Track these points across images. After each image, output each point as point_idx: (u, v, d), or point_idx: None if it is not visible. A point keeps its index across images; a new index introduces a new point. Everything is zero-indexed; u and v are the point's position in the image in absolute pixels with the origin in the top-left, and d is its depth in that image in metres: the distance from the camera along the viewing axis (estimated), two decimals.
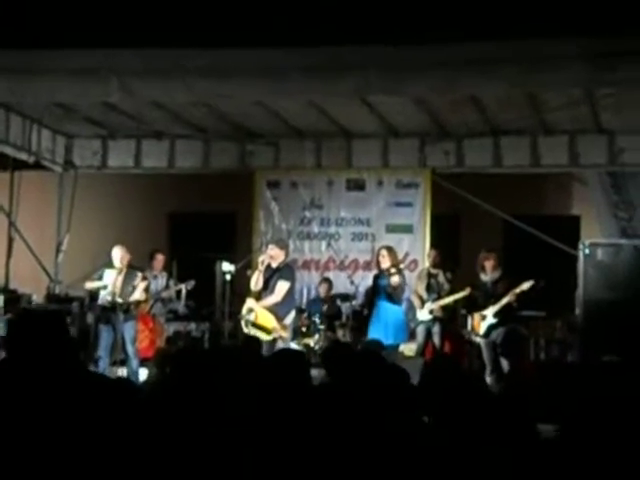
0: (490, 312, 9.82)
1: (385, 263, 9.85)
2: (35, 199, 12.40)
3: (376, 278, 10.06)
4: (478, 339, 9.99)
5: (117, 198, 14.01)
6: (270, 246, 9.70)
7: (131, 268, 10.13)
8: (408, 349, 10.93)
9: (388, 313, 9.80)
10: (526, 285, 9.62)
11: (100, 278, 10.12)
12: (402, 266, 10.01)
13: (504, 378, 7.97)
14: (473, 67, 7.96)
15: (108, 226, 13.48)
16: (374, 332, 9.54)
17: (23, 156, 11.70)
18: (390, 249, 10.11)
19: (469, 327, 10.25)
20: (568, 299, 10.71)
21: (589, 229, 12.50)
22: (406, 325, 10.18)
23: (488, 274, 10.00)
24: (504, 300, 9.70)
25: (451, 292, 10.46)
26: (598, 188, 12.00)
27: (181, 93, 8.62)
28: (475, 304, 10.10)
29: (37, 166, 12.19)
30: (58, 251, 12.22)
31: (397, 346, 9.78)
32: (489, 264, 9.97)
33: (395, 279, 9.74)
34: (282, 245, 9.83)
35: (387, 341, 9.03)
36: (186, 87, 8.44)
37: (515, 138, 11.52)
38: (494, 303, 9.78)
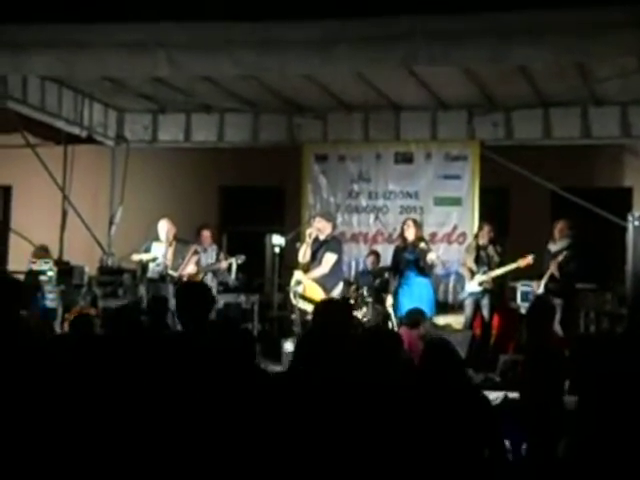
0: (542, 282, 9.87)
1: (410, 234, 9.94)
2: (88, 173, 12.58)
3: (401, 251, 10.11)
4: None
5: (168, 172, 14.15)
6: (317, 219, 9.76)
7: (179, 241, 10.28)
8: (456, 322, 10.94)
9: (421, 286, 9.87)
10: (560, 257, 9.57)
11: (147, 251, 10.28)
12: (426, 239, 10.15)
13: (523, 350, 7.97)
14: (521, 36, 7.87)
15: (160, 199, 13.64)
16: (406, 305, 9.56)
17: (75, 130, 11.90)
18: (416, 221, 10.21)
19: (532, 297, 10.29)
20: (619, 272, 10.59)
21: None
22: (434, 298, 10.27)
23: (556, 242, 10.07)
24: (548, 273, 9.78)
25: (501, 264, 10.44)
26: None
27: (228, 67, 8.64)
28: (541, 273, 10.11)
29: (89, 140, 12.39)
30: (111, 224, 12.40)
31: (430, 318, 9.82)
32: (556, 231, 10.09)
33: (432, 255, 9.84)
34: (329, 218, 9.89)
35: None
36: (233, 61, 8.47)
37: (565, 109, 11.39)
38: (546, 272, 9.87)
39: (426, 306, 9.63)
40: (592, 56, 8.48)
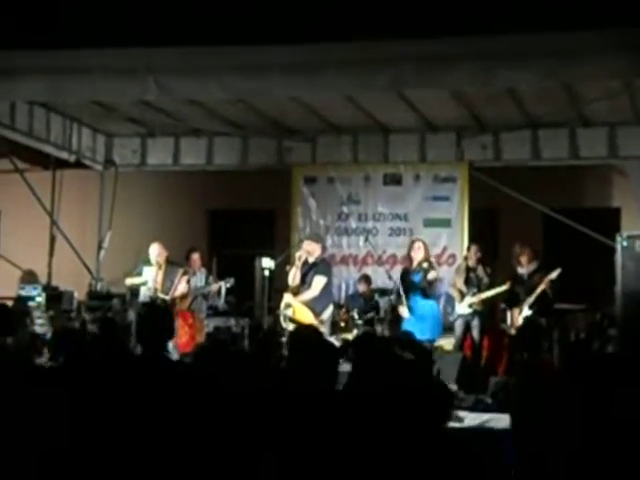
0: (526, 304, 9.88)
1: (419, 256, 9.87)
2: (76, 197, 12.57)
3: (407, 274, 10.03)
4: (512, 331, 10.02)
5: (157, 196, 14.14)
6: (306, 242, 9.74)
7: (170, 264, 10.26)
8: (447, 343, 10.91)
9: (425, 308, 9.81)
10: (554, 274, 9.77)
11: (139, 274, 10.26)
12: (432, 260, 10.07)
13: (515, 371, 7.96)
14: (509, 59, 7.93)
15: (148, 223, 13.61)
16: (410, 328, 9.51)
17: (64, 155, 11.89)
18: (425, 243, 10.12)
19: (508, 321, 10.27)
20: (609, 292, 10.60)
21: (630, 221, 12.33)
22: (441, 320, 10.19)
23: (524, 267, 10.08)
24: (537, 290, 9.80)
25: (491, 286, 10.44)
26: (638, 179, 11.86)
27: (217, 90, 8.67)
28: (516, 298, 10.13)
29: (78, 165, 12.37)
30: (100, 248, 12.34)
31: (434, 341, 9.77)
32: (524, 258, 10.13)
33: (433, 274, 9.78)
34: (318, 239, 9.87)
35: (424, 336, 8.98)
36: (221, 85, 8.50)
37: (553, 130, 11.45)
38: (530, 295, 9.87)
39: (429, 328, 9.57)
40: (577, 79, 8.57)
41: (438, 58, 8.00)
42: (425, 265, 9.80)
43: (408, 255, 10.13)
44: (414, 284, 9.88)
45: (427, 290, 9.85)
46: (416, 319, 9.69)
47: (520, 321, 9.89)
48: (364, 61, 8.17)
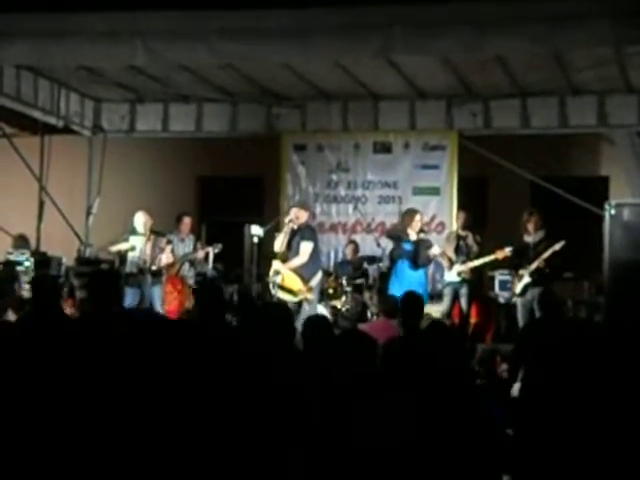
0: (527, 271, 9.91)
1: (417, 227, 9.93)
2: (65, 163, 12.48)
3: (399, 240, 10.09)
4: (515, 298, 10.07)
5: (146, 162, 14.09)
6: (294, 209, 9.75)
7: (155, 233, 10.25)
8: (435, 311, 10.96)
9: (412, 277, 9.85)
10: (558, 245, 9.76)
11: (126, 241, 10.25)
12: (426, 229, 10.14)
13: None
14: (498, 26, 7.92)
15: (137, 189, 13.59)
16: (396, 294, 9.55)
17: (52, 120, 11.81)
18: (422, 214, 10.19)
19: (510, 286, 10.34)
20: (597, 260, 10.65)
21: (618, 190, 12.39)
22: (427, 290, 10.24)
23: (531, 235, 10.08)
24: (539, 259, 9.81)
25: (480, 254, 10.47)
26: (627, 148, 11.87)
27: (206, 55, 8.62)
28: (519, 264, 10.14)
29: (66, 130, 12.30)
30: (88, 214, 12.32)
31: None
32: (531, 225, 10.10)
33: (436, 250, 9.86)
34: (305, 206, 9.89)
35: None
36: (210, 49, 8.45)
37: (543, 99, 11.43)
38: (531, 263, 9.89)
39: None
40: (567, 46, 8.54)
41: (427, 24, 7.99)
42: (423, 236, 9.88)
43: (403, 224, 10.15)
44: (403, 252, 9.92)
45: (418, 260, 9.89)
46: (403, 287, 9.70)
47: (520, 287, 9.95)
48: (353, 27, 8.14)
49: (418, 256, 9.95)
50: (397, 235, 10.26)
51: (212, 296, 5.84)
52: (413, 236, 10.03)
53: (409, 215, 10.24)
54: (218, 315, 5.61)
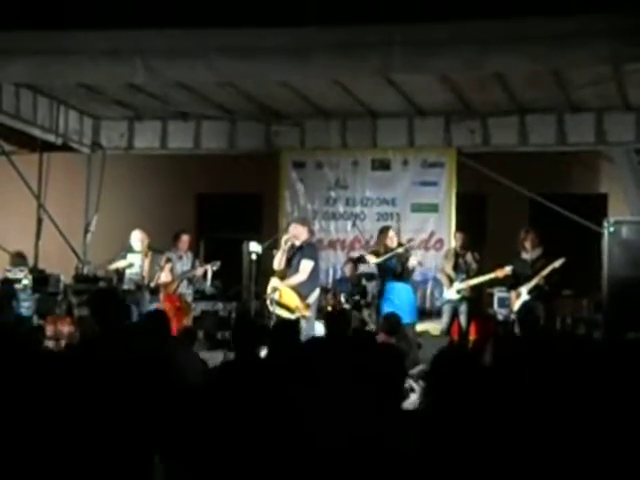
0: (525, 289, 9.91)
1: (393, 242, 9.91)
2: (63, 180, 12.50)
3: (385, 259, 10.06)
4: (513, 316, 10.07)
5: (144, 179, 14.09)
6: (292, 225, 9.76)
7: (152, 250, 10.26)
8: (434, 328, 10.97)
9: (401, 293, 9.83)
10: (558, 263, 9.77)
11: (124, 259, 10.27)
12: (408, 245, 10.13)
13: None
14: (497, 44, 7.93)
15: (136, 207, 13.58)
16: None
17: (51, 138, 11.81)
18: (394, 230, 10.20)
19: (509, 303, 10.34)
20: (596, 278, 10.66)
21: (617, 208, 12.39)
22: (416, 304, 10.24)
23: (529, 252, 10.09)
24: (539, 277, 9.82)
25: (479, 272, 10.47)
26: (626, 166, 11.88)
27: (205, 73, 8.63)
28: (517, 282, 10.14)
29: (65, 148, 12.30)
30: (86, 232, 12.30)
31: (414, 324, 9.79)
32: (528, 243, 10.13)
33: (414, 261, 9.83)
34: (304, 223, 9.89)
35: (404, 320, 9.02)
36: (210, 67, 8.46)
37: (541, 116, 11.44)
38: (530, 281, 9.89)
39: (407, 312, 9.60)
40: (566, 64, 8.55)
41: (426, 43, 7.99)
42: (400, 250, 9.83)
43: (381, 242, 10.11)
44: (387, 269, 9.90)
45: (403, 274, 9.87)
46: (393, 304, 9.67)
47: (518, 305, 9.95)
48: (352, 45, 8.15)
49: (402, 268, 9.93)
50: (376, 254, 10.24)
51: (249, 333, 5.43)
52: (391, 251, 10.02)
53: (383, 233, 10.20)
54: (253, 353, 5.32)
